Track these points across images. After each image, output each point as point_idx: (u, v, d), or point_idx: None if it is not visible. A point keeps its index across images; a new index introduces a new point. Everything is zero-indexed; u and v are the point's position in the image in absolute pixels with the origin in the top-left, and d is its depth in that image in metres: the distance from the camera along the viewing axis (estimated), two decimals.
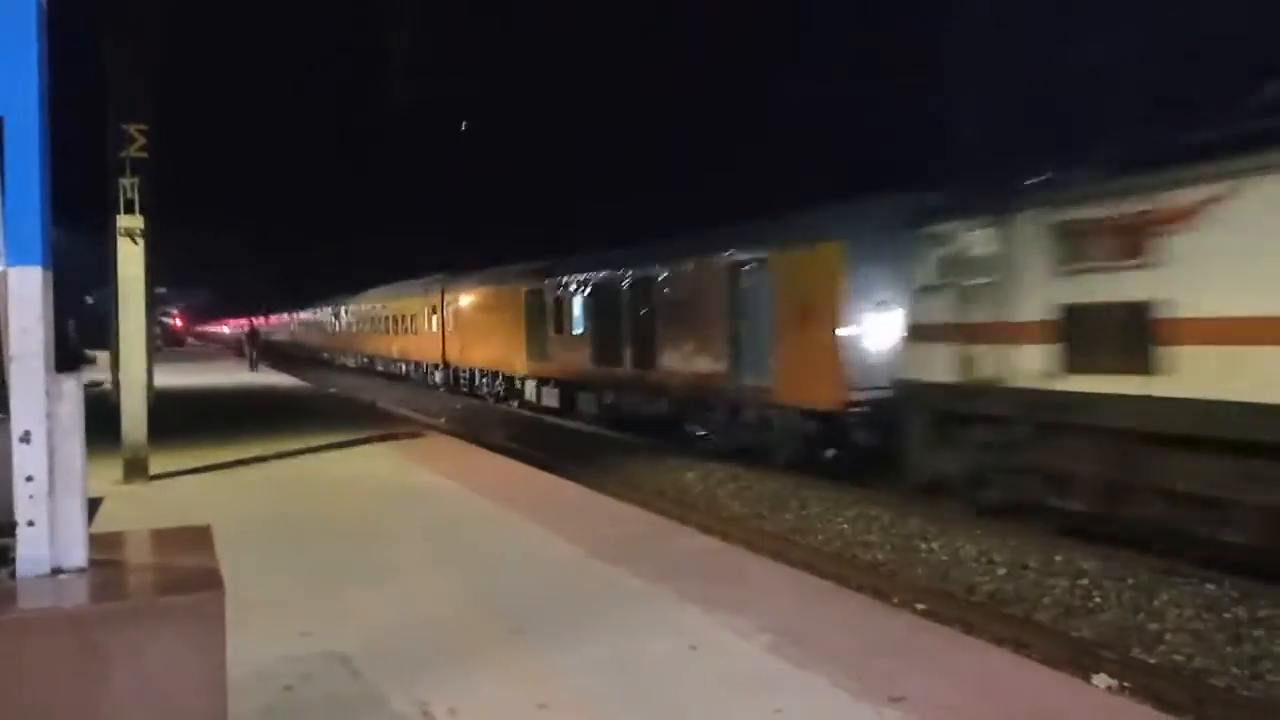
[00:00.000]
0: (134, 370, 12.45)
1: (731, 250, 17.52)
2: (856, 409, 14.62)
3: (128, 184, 11.73)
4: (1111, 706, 5.59)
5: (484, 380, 30.98)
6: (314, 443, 15.94)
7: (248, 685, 5.15)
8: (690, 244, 19.36)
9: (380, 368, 44.19)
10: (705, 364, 18.13)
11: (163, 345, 56.02)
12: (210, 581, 3.86)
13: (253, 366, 39.43)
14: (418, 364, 37.99)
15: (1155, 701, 6.87)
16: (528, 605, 6.91)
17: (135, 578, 4.04)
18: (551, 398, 25.10)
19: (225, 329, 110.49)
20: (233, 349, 68.24)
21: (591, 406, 23.02)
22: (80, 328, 30.49)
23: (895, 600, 9.49)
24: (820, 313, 15.12)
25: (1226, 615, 8.78)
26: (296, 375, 38.84)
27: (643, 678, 5.51)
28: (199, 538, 4.48)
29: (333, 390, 33.31)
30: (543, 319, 25.25)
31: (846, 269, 14.86)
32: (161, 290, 41.50)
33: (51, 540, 3.83)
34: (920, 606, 9.35)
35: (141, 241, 11.65)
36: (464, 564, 8.16)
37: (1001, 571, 10.52)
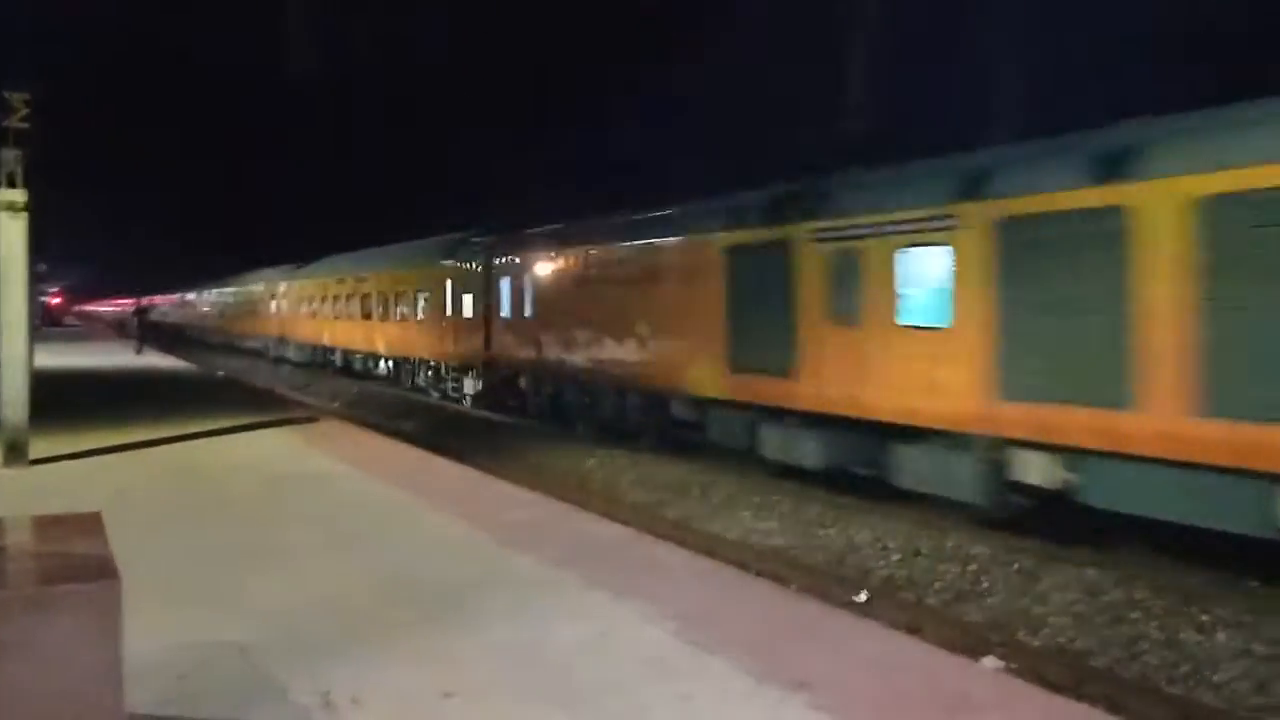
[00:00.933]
0: (14, 350, 11.91)
1: None
2: None
3: (10, 156, 11.18)
4: (1000, 686, 5.79)
5: (583, 399, 18.74)
6: (207, 427, 15.49)
7: (140, 674, 4.98)
8: None
9: (339, 362, 34.19)
10: None
11: (40, 325, 53.57)
12: (105, 570, 3.75)
13: (139, 350, 38.03)
14: (426, 363, 26.55)
15: (1040, 682, 7.14)
16: (432, 592, 6.84)
17: (25, 565, 3.89)
18: (811, 449, 12.94)
19: (107, 309, 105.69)
20: (116, 331, 65.65)
21: (994, 487, 10.69)
22: None
23: (794, 586, 9.67)
24: None
25: (1106, 598, 9.18)
26: (193, 360, 37.68)
27: (552, 664, 5.51)
28: (90, 525, 4.34)
29: (220, 374, 32.38)
30: (781, 296, 13.19)
31: None
32: (41, 268, 39.45)
33: None
34: (819, 592, 9.54)
35: (24, 216, 11.12)
36: (365, 551, 8.03)
37: (896, 557, 10.80)
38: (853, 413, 12.15)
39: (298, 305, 39.19)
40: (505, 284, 21.45)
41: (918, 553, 10.84)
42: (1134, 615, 8.77)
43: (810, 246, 12.79)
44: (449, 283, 24.35)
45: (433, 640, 5.86)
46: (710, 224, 14.97)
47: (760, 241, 13.76)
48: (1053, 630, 8.73)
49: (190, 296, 68.31)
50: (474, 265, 23.08)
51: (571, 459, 16.76)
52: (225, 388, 25.82)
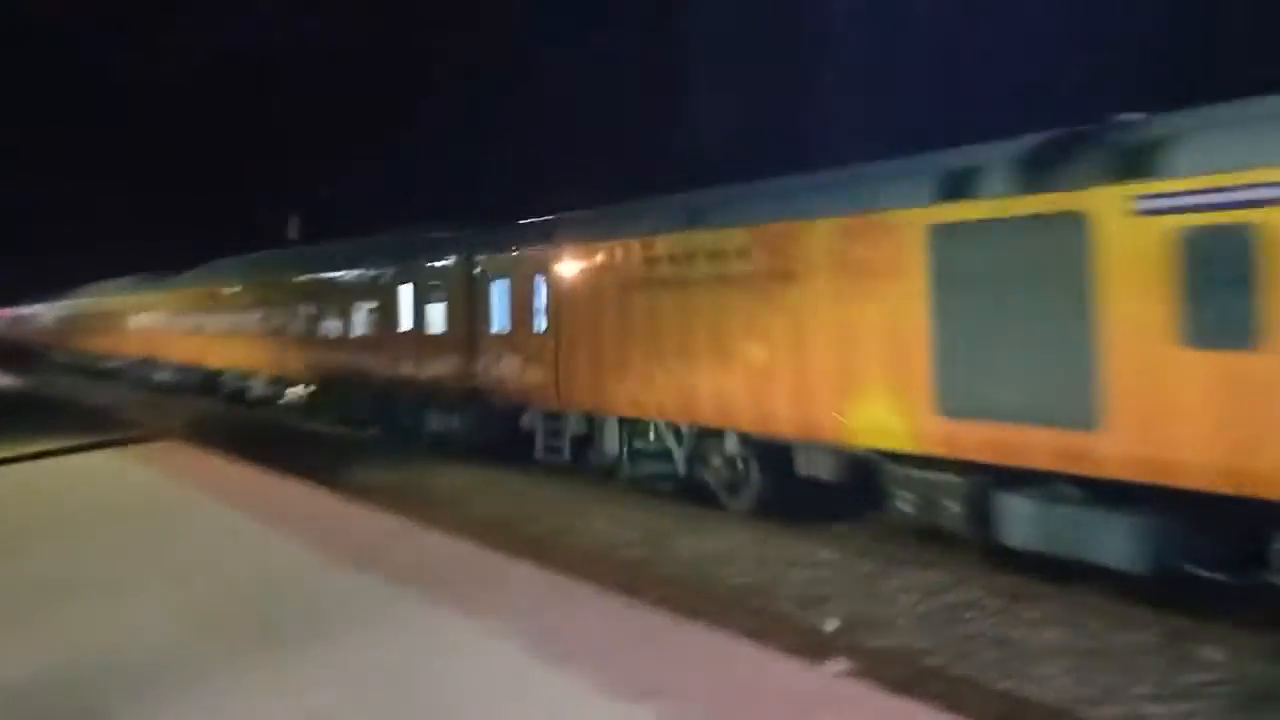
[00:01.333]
0: None
1: None
2: None
3: None
4: (842, 689, 5.98)
5: (632, 444, 14.22)
6: (36, 448, 14.65)
7: None
8: None
9: (227, 387, 28.83)
10: None
11: None
12: None
13: None
14: (366, 391, 20.98)
15: (881, 682, 7.39)
16: (275, 617, 6.65)
17: None
18: (1119, 539, 8.53)
19: None
20: None
21: None
22: None
23: (648, 597, 9.74)
24: None
25: (945, 599, 9.57)
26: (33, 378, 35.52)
27: (401, 684, 5.42)
28: None
29: (45, 392, 30.64)
30: (1058, 300, 8.88)
31: None
32: None
33: None
34: (671, 602, 9.63)
35: None
36: (201, 576, 7.75)
37: (747, 565, 11.02)
38: (1227, 488, 7.82)
39: (172, 319, 33.26)
40: (498, 289, 16.63)
41: (767, 560, 11.09)
42: (969, 615, 9.17)
43: (1130, 223, 8.40)
44: (409, 289, 19.21)
45: (276, 667, 5.69)
46: (898, 194, 10.41)
47: (1010, 218, 9.29)
48: (896, 631, 9.05)
49: (30, 311, 62.10)
50: (447, 267, 18.03)
51: (421, 475, 16.49)
52: (61, 405, 24.46)
